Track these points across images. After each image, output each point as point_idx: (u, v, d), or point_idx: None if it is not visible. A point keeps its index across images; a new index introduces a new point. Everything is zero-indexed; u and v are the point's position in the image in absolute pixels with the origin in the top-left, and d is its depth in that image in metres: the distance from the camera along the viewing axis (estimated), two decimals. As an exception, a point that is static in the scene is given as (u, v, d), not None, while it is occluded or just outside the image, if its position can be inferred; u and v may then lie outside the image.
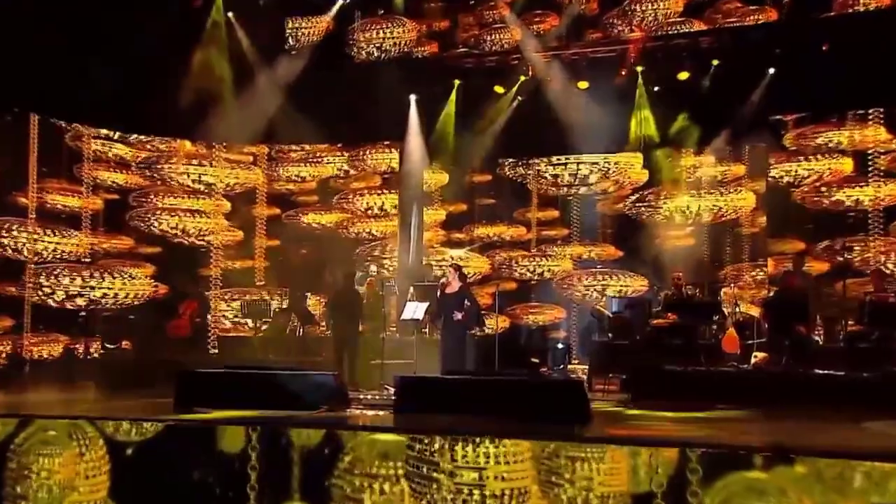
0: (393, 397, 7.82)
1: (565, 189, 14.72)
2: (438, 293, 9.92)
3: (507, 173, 14.96)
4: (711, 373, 9.52)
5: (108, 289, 12.68)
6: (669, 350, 10.16)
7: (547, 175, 14.07)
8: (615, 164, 13.74)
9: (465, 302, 9.85)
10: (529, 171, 14.56)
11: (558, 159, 13.87)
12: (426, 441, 5.96)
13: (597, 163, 13.64)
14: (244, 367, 8.39)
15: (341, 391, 7.99)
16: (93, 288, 12.56)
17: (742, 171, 13.83)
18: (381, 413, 7.73)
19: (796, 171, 13.29)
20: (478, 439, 5.81)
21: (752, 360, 10.21)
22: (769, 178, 13.50)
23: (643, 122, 12.34)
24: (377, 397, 8.62)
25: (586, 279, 14.27)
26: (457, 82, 13.19)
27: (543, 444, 5.80)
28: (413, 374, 8.07)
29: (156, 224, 14.35)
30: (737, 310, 11.28)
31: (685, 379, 9.14)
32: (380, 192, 15.29)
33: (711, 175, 13.52)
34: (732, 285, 12.18)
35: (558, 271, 14.96)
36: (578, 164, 13.63)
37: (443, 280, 9.99)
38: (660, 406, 8.16)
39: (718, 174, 13.60)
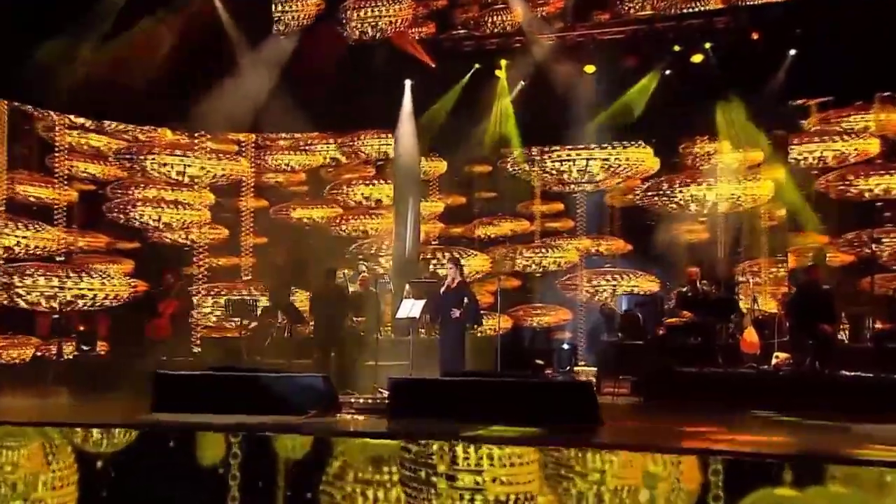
0: (387, 401, 7.67)
1: (571, 186, 14.54)
2: (442, 290, 9.67)
3: (509, 169, 14.74)
4: (729, 375, 9.41)
5: (88, 289, 12.46)
6: (684, 350, 10.06)
7: (552, 171, 13.82)
8: (626, 159, 13.47)
9: (464, 299, 9.65)
10: (532, 168, 14.26)
11: (561, 155, 13.54)
12: (423, 443, 5.84)
13: (607, 159, 13.41)
14: (226, 369, 8.23)
15: (330, 394, 7.78)
16: (69, 288, 12.32)
17: (760, 158, 13.62)
18: (373, 418, 7.59)
19: (820, 154, 13.00)
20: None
21: (773, 361, 10.08)
22: (790, 165, 13.26)
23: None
24: (370, 401, 8.40)
25: (594, 280, 14.10)
26: (476, 66, 13.03)
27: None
28: (407, 376, 7.82)
29: (135, 216, 14.16)
30: (755, 307, 11.11)
31: (701, 381, 9.16)
32: (373, 181, 15.06)
33: (730, 163, 13.27)
34: (751, 281, 11.96)
35: (564, 263, 14.80)
36: (588, 160, 13.38)
37: (442, 276, 9.76)
38: (673, 409, 8.04)
39: (736, 161, 13.36)
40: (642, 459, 5.49)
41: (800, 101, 12.97)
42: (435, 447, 5.82)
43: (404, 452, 5.86)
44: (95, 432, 6.46)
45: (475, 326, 10.15)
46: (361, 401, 8.37)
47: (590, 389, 7.27)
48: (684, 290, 11.08)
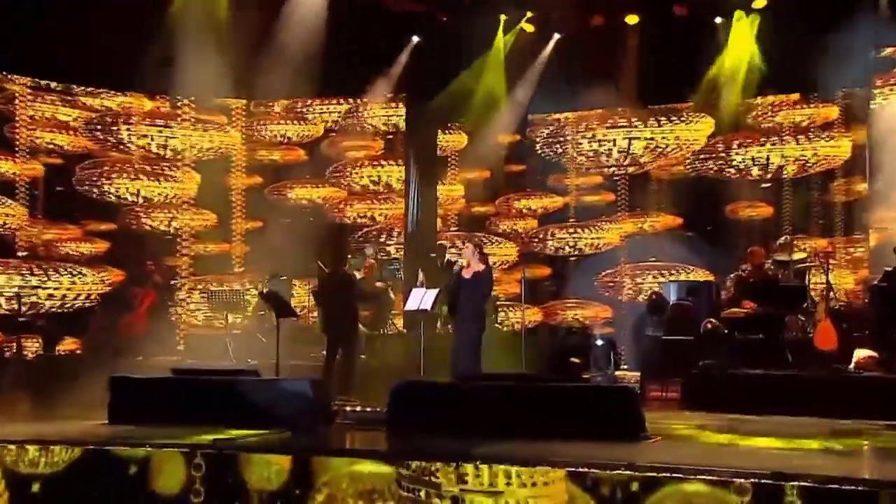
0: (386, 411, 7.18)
1: (610, 169, 14.07)
2: (454, 278, 9.16)
3: (539, 150, 14.15)
4: (800, 377, 8.97)
5: (55, 289, 12.38)
6: (744, 348, 9.71)
7: (588, 153, 13.32)
8: (675, 138, 12.80)
9: (482, 289, 9.12)
10: (565, 148, 13.68)
11: (597, 135, 12.99)
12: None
13: (652, 138, 12.83)
14: (196, 372, 8.02)
15: (320, 403, 7.38)
16: (32, 288, 12.22)
17: (834, 114, 12.86)
18: (373, 431, 7.14)
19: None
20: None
21: (854, 360, 9.58)
22: (870, 126, 12.52)
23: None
24: (372, 410, 7.88)
25: (638, 276, 13.64)
26: (502, 17, 12.58)
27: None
28: (410, 380, 7.29)
29: (110, 191, 13.85)
30: (832, 295, 10.54)
31: (766, 385, 8.71)
32: (381, 162, 14.49)
33: (796, 119, 12.57)
34: (825, 263, 11.25)
35: (603, 245, 14.44)
36: (630, 139, 12.76)
37: (460, 262, 9.17)
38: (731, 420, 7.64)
39: (804, 118, 12.63)
40: (694, 486, 4.94)
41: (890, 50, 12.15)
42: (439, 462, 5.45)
43: (401, 469, 5.49)
44: (32, 450, 6.10)
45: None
46: (358, 409, 7.85)
47: (632, 396, 6.74)
48: (745, 274, 10.62)
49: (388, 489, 5.50)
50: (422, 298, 9.54)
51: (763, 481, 4.82)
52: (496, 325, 12.10)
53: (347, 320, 10.10)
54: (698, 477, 5.01)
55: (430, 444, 6.00)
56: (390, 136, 15.10)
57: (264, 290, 10.87)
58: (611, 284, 14.18)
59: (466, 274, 9.02)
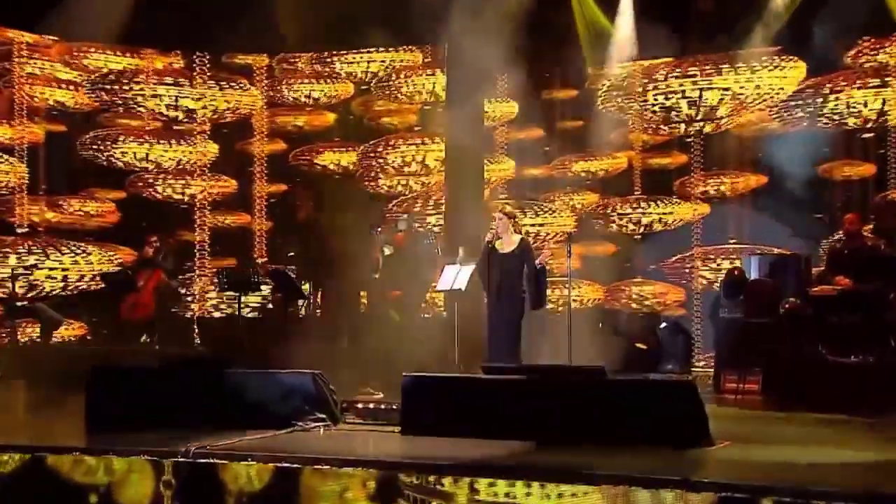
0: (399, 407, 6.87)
1: (681, 127, 13.33)
2: (485, 253, 8.75)
3: (601, 105, 13.52)
4: None
5: (62, 269, 12.31)
6: (838, 332, 9.13)
7: (655, 108, 12.61)
8: (755, 88, 11.99)
9: (525, 267, 8.66)
10: (630, 104, 13.10)
11: (667, 85, 12.32)
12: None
13: (727, 89, 12.04)
14: (188, 361, 8.06)
15: (323, 398, 6.98)
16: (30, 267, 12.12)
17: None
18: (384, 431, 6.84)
19: None
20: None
21: None
22: None
23: None
24: (387, 406, 7.35)
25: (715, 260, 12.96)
26: None
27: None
28: (420, 374, 6.80)
29: (117, 155, 13.72)
30: None
31: (862, 377, 8.39)
32: (415, 141, 14.13)
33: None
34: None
35: (674, 222, 13.81)
36: (701, 90, 12.08)
37: (489, 234, 8.65)
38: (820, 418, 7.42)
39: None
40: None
41: None
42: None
43: (406, 476, 5.23)
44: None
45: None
46: (371, 406, 7.40)
47: (691, 392, 6.11)
48: (839, 245, 10.03)
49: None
50: (456, 276, 9.09)
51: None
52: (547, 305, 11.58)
53: (351, 303, 9.96)
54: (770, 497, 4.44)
55: (440, 449, 5.72)
56: (427, 107, 14.60)
57: (271, 269, 10.47)
58: (683, 271, 13.57)
59: (501, 248, 8.61)
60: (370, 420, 7.19)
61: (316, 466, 5.27)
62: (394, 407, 7.20)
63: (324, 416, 6.83)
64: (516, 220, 8.94)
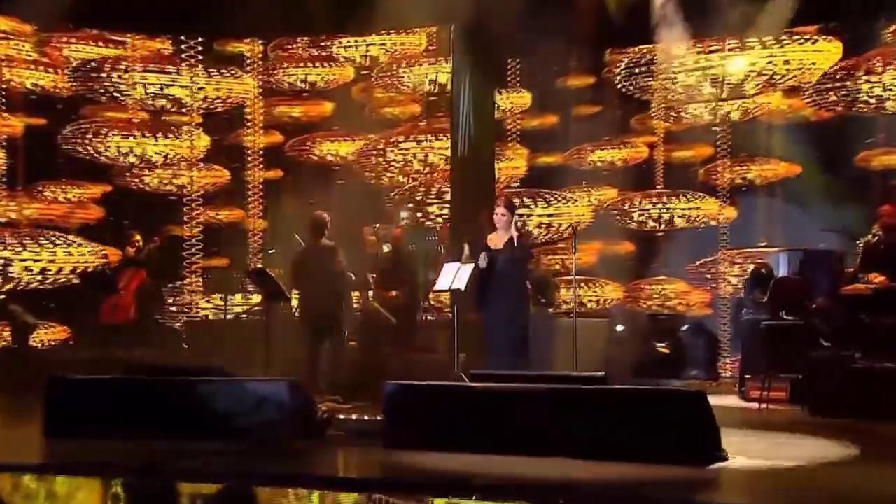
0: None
1: (707, 111, 13.33)
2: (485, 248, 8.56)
3: (619, 85, 13.27)
4: None
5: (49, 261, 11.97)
6: (872, 335, 8.93)
7: (677, 89, 12.35)
8: (783, 63, 11.58)
9: (526, 265, 8.76)
10: (650, 82, 12.80)
11: (692, 62, 11.97)
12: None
13: (754, 63, 11.69)
14: (153, 371, 7.54)
15: (301, 409, 6.75)
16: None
17: None
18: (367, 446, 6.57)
19: None
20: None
21: None
22: None
23: None
24: (371, 419, 7.15)
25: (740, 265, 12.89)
26: None
27: None
28: (404, 382, 6.54)
29: (101, 149, 13.50)
30: None
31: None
32: (418, 138, 13.80)
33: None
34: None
35: (697, 218, 13.62)
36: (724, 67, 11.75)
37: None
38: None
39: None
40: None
41: None
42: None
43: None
44: None
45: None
46: (354, 417, 7.27)
47: (701, 403, 5.80)
48: (875, 240, 9.79)
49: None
50: (455, 275, 8.86)
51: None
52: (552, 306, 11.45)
53: (330, 305, 9.57)
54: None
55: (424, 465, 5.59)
56: (433, 98, 14.33)
57: (251, 268, 10.26)
58: (707, 276, 13.50)
59: (497, 244, 8.45)
60: (353, 434, 6.91)
61: (276, 488, 5.01)
62: (379, 420, 6.99)
63: (300, 427, 6.60)
64: (514, 209, 8.82)
